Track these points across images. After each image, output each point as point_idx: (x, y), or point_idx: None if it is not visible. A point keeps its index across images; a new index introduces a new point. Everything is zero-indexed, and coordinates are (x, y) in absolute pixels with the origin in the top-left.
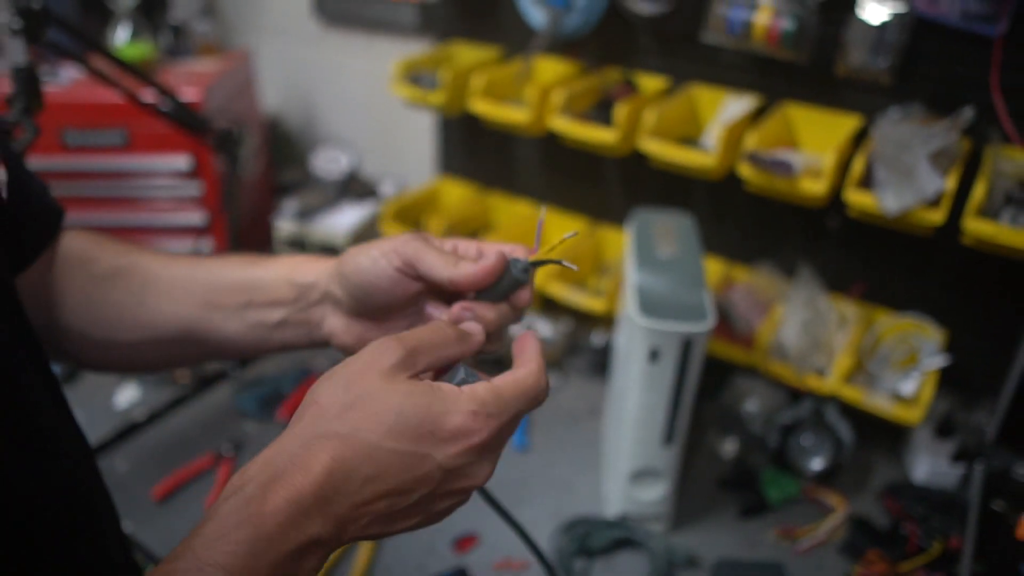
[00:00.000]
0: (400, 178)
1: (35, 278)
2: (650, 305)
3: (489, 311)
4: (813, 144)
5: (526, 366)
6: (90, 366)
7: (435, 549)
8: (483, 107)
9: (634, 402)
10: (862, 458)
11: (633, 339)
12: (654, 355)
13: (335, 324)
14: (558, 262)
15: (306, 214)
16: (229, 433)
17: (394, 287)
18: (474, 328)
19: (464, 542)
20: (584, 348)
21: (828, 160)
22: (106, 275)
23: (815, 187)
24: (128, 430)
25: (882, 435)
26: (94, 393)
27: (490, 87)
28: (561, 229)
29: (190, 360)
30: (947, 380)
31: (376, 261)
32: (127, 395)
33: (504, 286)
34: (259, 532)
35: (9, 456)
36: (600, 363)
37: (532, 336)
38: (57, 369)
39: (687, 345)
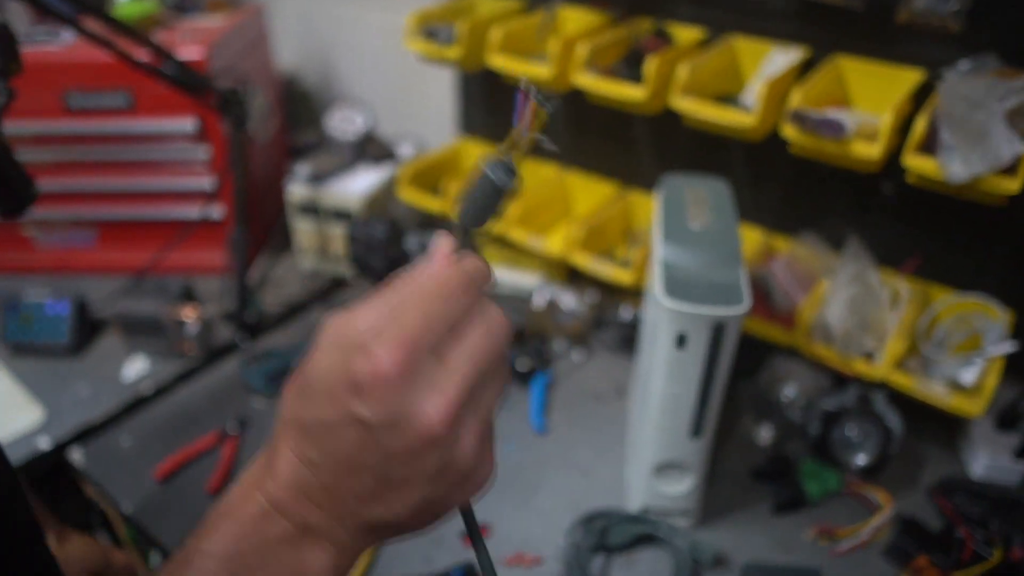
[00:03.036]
0: (419, 139)
1: None
2: (678, 284)
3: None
4: (867, 102)
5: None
6: None
7: (443, 541)
8: (502, 62)
9: (659, 390)
10: (912, 451)
11: (659, 322)
12: (681, 340)
13: None
14: (544, 145)
15: (319, 178)
16: (236, 409)
17: None
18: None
19: None
20: (611, 322)
21: (885, 120)
22: None
23: (869, 150)
24: (135, 404)
25: (935, 426)
26: (102, 366)
27: (509, 40)
28: (589, 193)
29: None
30: (1012, 367)
31: None
32: (135, 368)
33: (487, 200)
34: (241, 516)
35: None
36: (628, 338)
37: (441, 238)
38: (64, 339)
39: (719, 330)
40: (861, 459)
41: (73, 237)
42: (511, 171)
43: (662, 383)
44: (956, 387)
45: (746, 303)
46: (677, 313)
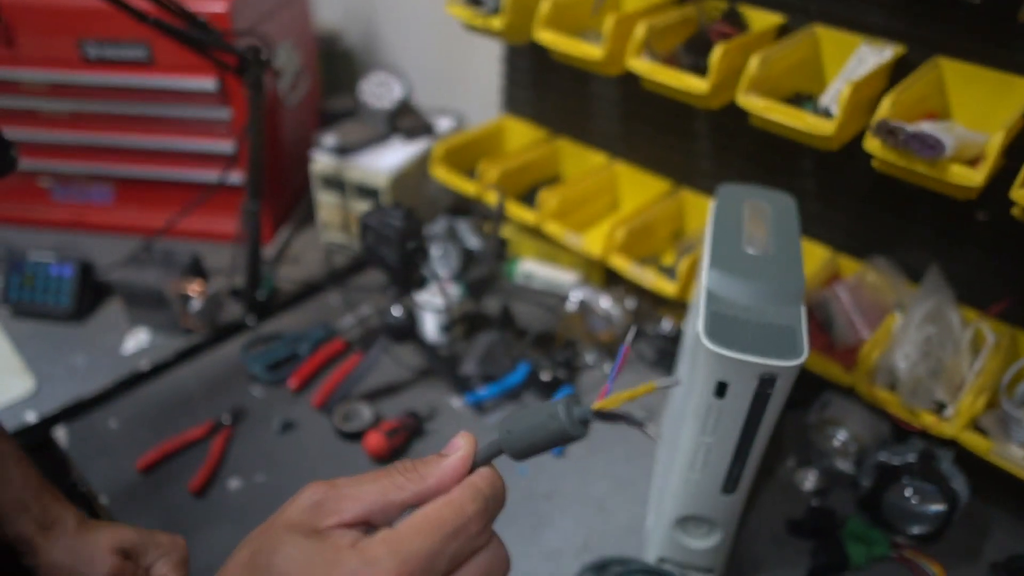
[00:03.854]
0: (459, 114)
1: None
2: (723, 322)
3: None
4: (972, 116)
5: (442, 492)
6: None
7: None
8: (549, 38)
9: (690, 439)
10: (976, 519)
11: (697, 362)
12: (721, 389)
13: None
14: (633, 422)
15: (347, 149)
16: (233, 397)
17: None
18: (448, 465)
19: None
20: (649, 334)
21: (995, 140)
22: None
23: (970, 176)
24: (129, 382)
25: (1005, 492)
26: (103, 335)
27: (559, 13)
28: (639, 187)
29: None
30: None
31: None
32: (136, 341)
33: (548, 439)
34: None
35: None
36: (667, 353)
37: (465, 441)
38: (66, 303)
39: (767, 382)
40: (919, 526)
41: (89, 192)
42: (585, 422)
43: (694, 432)
44: None
45: (804, 354)
46: (719, 358)
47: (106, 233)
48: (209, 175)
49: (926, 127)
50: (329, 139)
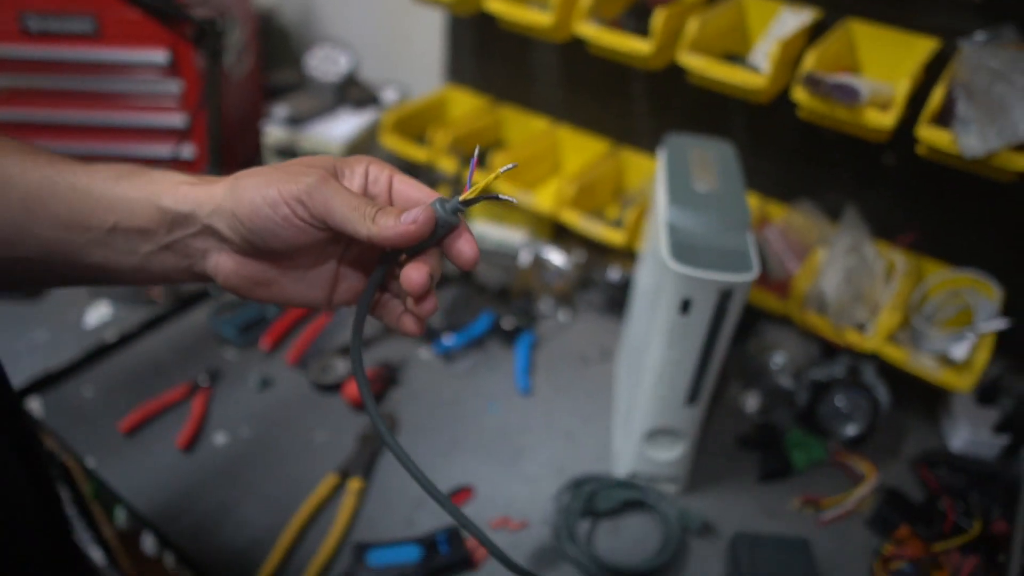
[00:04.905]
0: (404, 85)
1: None
2: (685, 248)
3: (416, 274)
4: (879, 69)
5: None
6: None
7: (425, 502)
8: (498, 6)
9: (658, 356)
10: (895, 422)
11: (662, 286)
12: (686, 306)
13: (221, 262)
14: (493, 196)
15: (298, 120)
16: (206, 361)
17: (297, 236)
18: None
19: (458, 496)
20: (598, 283)
21: (901, 88)
22: None
23: (883, 119)
24: (97, 352)
25: (918, 399)
26: (63, 311)
27: None
28: (580, 149)
29: (70, 282)
30: (999, 344)
31: (276, 207)
32: (98, 314)
33: (432, 234)
34: None
35: None
36: (615, 300)
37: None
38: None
39: (726, 297)
40: (850, 430)
41: None
42: (456, 210)
43: (662, 349)
44: (946, 361)
45: (755, 270)
46: (684, 278)
47: None
48: (159, 150)
49: (844, 78)
50: (281, 110)
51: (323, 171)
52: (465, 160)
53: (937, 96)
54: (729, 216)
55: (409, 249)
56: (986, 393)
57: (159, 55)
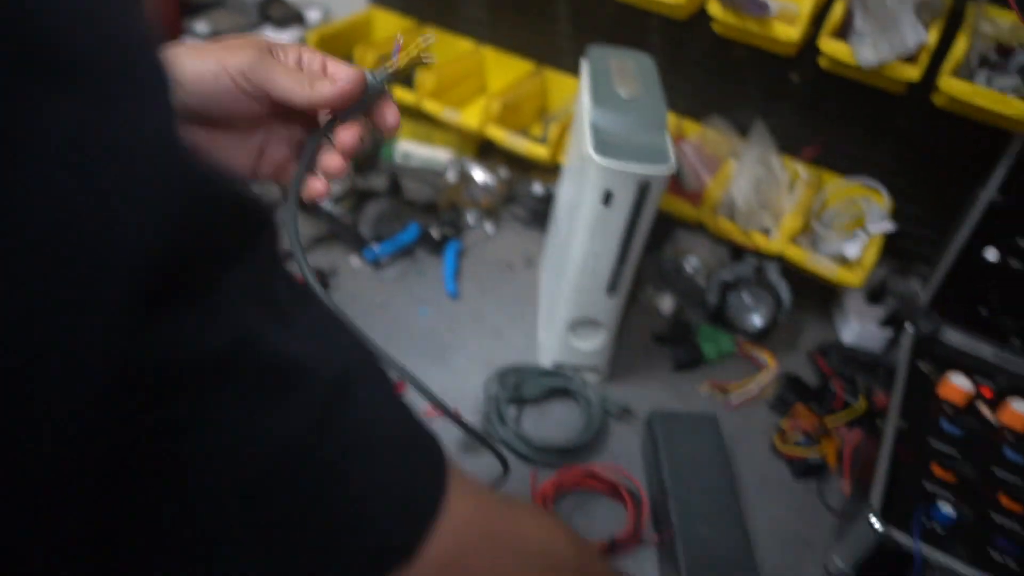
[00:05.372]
0: (327, 6)
1: None
2: (607, 145)
3: (348, 135)
4: None
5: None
6: None
7: None
8: None
9: (581, 248)
10: (795, 318)
11: (586, 180)
12: (608, 197)
13: None
14: (417, 62)
15: (220, 35)
16: None
17: (238, 105)
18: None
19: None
20: (523, 197)
21: (804, 3)
22: None
23: (789, 31)
24: None
25: (815, 297)
26: None
27: None
28: (504, 70)
29: None
30: (885, 247)
31: (219, 77)
32: None
33: (362, 100)
34: None
35: None
36: (538, 213)
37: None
38: None
39: (644, 188)
40: (755, 322)
41: None
42: (382, 81)
43: (585, 240)
44: (841, 261)
45: (671, 163)
46: (606, 170)
47: None
48: None
49: None
50: (201, 25)
51: (261, 47)
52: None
53: (838, 11)
54: (648, 117)
55: (341, 114)
56: (874, 293)
57: None
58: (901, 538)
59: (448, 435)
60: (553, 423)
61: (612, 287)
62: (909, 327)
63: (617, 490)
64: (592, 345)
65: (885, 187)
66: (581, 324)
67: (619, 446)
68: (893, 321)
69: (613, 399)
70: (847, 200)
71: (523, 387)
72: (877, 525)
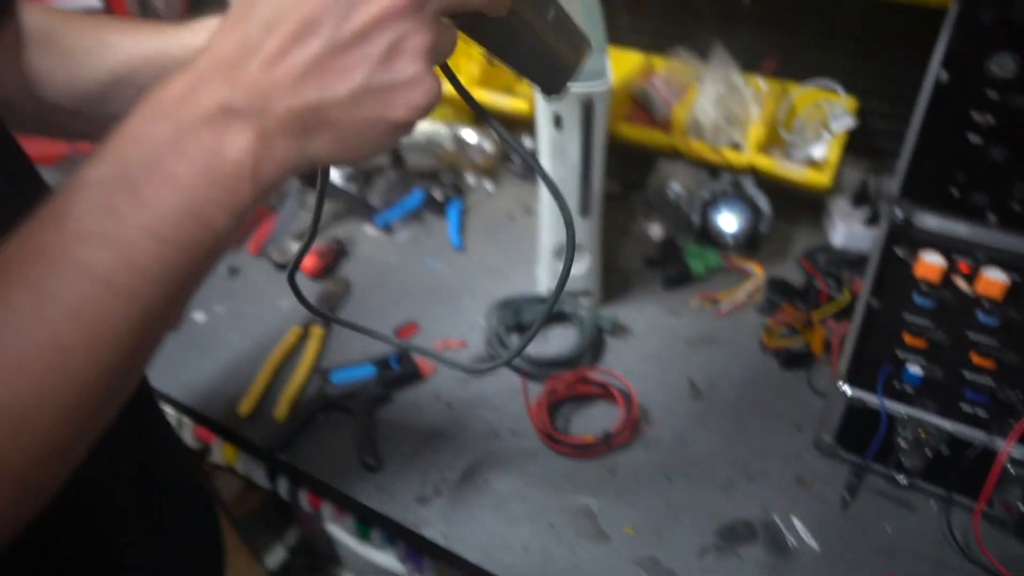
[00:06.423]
0: None
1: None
2: None
3: None
4: None
5: None
6: (61, 135)
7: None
8: None
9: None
10: (785, 231)
11: (540, 111)
12: (558, 121)
13: None
14: None
15: None
16: None
17: None
18: None
19: (405, 330)
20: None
21: None
22: (75, 53)
23: None
24: None
25: (803, 207)
26: None
27: None
28: None
29: None
30: (861, 149)
31: None
32: None
33: None
34: (153, 106)
35: None
36: (528, 166)
37: None
38: None
39: (589, 107)
40: (732, 231)
41: None
42: None
43: (548, 167)
44: (810, 163)
45: (608, 80)
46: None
47: None
48: None
49: None
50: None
51: None
52: None
53: None
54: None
55: None
56: (858, 196)
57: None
58: (868, 398)
59: None
60: (554, 344)
61: (584, 209)
62: (883, 216)
63: (609, 391)
64: (578, 269)
65: (842, 86)
66: (564, 250)
67: (614, 357)
68: (876, 219)
69: (606, 317)
70: (812, 106)
71: (522, 313)
72: (844, 388)
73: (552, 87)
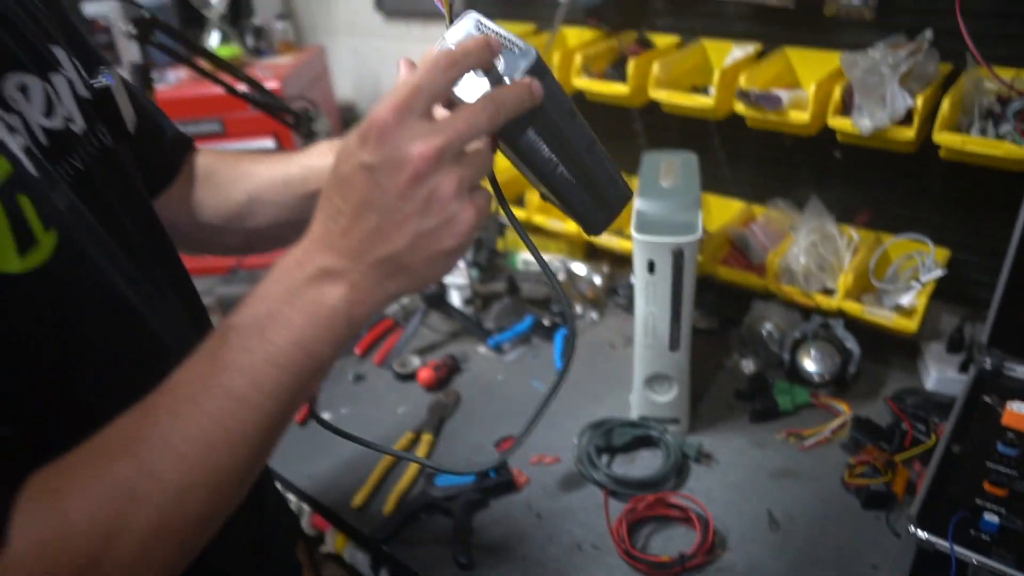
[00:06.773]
0: None
1: (177, 194)
2: (647, 224)
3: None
4: (812, 82)
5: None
6: (215, 251)
7: (483, 448)
8: None
9: (640, 312)
10: (876, 372)
11: (635, 255)
12: (651, 266)
13: None
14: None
15: None
16: None
17: None
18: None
19: (503, 444)
20: (622, 287)
21: (809, 91)
22: (223, 183)
23: (800, 116)
24: None
25: (897, 350)
26: None
27: None
28: None
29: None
30: (955, 297)
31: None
32: None
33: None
34: (275, 271)
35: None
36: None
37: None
38: None
39: (679, 255)
40: (819, 372)
41: None
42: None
43: (643, 306)
44: (899, 310)
45: (698, 233)
46: (645, 244)
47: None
48: None
49: (773, 91)
50: None
51: None
52: None
53: (836, 93)
54: (683, 200)
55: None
56: (953, 342)
57: (268, 142)
58: (940, 543)
59: (550, 478)
60: (640, 467)
61: (673, 344)
62: (973, 364)
63: (688, 515)
64: (667, 398)
65: (937, 239)
66: (655, 379)
67: (697, 483)
68: (968, 364)
69: (692, 444)
70: (905, 256)
71: (612, 435)
72: (913, 530)
73: (592, 226)
